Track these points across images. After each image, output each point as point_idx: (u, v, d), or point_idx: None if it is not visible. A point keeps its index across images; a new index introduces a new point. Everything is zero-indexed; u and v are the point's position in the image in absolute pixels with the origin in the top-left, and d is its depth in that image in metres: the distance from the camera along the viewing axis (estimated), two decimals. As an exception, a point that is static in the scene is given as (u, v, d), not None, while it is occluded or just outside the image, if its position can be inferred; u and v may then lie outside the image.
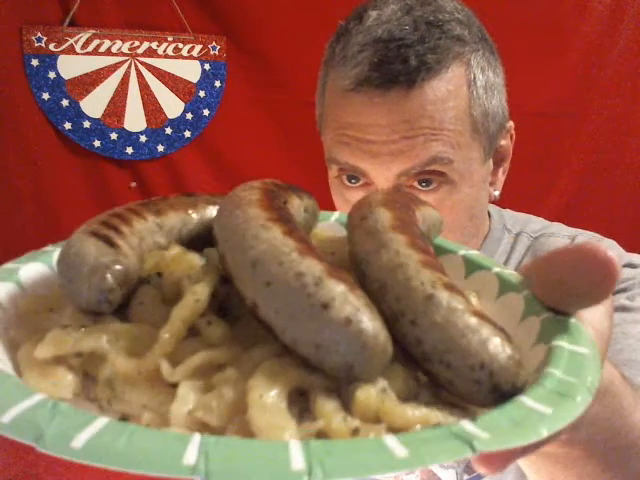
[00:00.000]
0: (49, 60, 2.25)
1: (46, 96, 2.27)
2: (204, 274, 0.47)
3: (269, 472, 0.32)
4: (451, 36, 1.05)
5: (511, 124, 1.21)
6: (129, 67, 2.38)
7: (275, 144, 2.63)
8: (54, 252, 0.55)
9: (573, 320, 0.49)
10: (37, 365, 0.43)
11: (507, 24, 2.30)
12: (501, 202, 1.28)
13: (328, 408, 0.40)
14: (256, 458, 0.33)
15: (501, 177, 1.23)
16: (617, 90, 2.77)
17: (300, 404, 0.42)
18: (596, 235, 1.25)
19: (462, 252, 0.63)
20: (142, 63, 2.39)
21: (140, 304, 0.48)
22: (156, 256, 0.50)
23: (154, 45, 2.39)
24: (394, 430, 0.39)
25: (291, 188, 0.57)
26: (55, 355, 0.43)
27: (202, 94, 2.50)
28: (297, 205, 0.56)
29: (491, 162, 1.17)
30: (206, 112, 2.53)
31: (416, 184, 1.06)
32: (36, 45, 2.22)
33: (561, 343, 0.46)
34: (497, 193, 1.22)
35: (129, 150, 2.44)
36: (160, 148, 2.49)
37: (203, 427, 0.40)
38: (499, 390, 0.42)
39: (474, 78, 1.06)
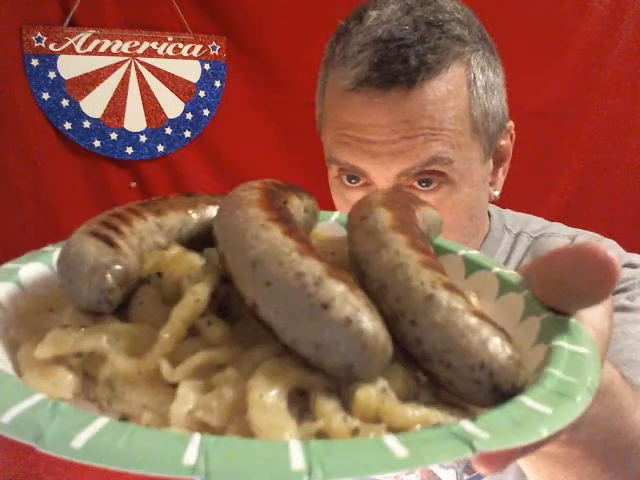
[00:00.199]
0: (49, 60, 2.25)
1: (46, 96, 2.27)
2: (204, 274, 0.47)
3: (269, 472, 0.32)
4: (451, 36, 1.04)
5: (511, 124, 1.21)
6: (129, 67, 2.38)
7: (275, 144, 2.62)
8: (54, 252, 0.55)
9: (573, 320, 0.49)
10: (37, 365, 0.43)
11: (507, 24, 2.30)
12: (501, 202, 1.28)
13: (328, 408, 0.40)
14: (256, 458, 0.33)
15: (501, 177, 1.23)
16: (617, 90, 2.76)
17: (300, 404, 0.42)
18: (596, 235, 1.25)
19: (462, 252, 0.63)
20: (142, 63, 2.39)
21: (140, 304, 0.48)
22: (156, 256, 0.50)
23: (154, 45, 2.38)
24: (394, 430, 0.39)
25: (291, 188, 0.57)
26: (55, 355, 0.43)
27: (202, 94, 2.50)
28: (297, 205, 0.56)
29: (491, 162, 1.17)
30: (206, 112, 2.53)
31: (416, 184, 1.06)
32: (36, 45, 2.21)
33: (561, 343, 0.46)
34: (497, 193, 1.22)
35: (129, 150, 2.44)
36: (160, 148, 2.48)
37: (203, 427, 0.40)
38: (499, 390, 0.42)
39: (474, 78, 1.06)
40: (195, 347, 0.44)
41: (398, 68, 1.01)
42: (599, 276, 0.47)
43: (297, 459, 0.33)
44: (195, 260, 0.50)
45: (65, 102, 2.30)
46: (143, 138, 2.45)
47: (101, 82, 2.34)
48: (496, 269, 0.59)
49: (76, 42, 2.25)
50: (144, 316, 0.48)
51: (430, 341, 0.43)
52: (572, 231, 1.26)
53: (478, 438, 0.36)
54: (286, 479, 0.32)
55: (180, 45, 2.42)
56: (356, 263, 0.51)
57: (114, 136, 2.40)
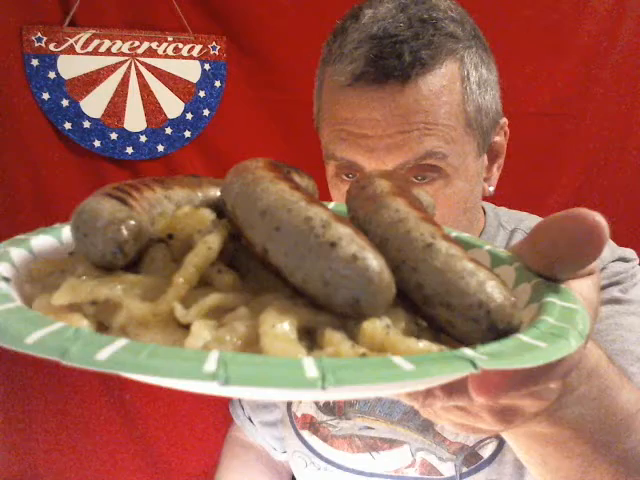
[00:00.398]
0: (49, 60, 2.26)
1: (46, 96, 2.28)
2: (214, 227, 0.50)
3: (285, 378, 0.35)
4: (444, 33, 1.06)
5: (505, 121, 1.22)
6: (129, 67, 2.38)
7: (275, 144, 2.63)
8: (62, 227, 0.59)
9: (563, 285, 0.52)
10: (53, 312, 0.45)
11: (507, 24, 2.31)
12: (502, 202, 1.28)
13: (337, 338, 0.42)
14: (273, 367, 0.36)
15: (495, 173, 1.24)
16: (617, 90, 2.76)
17: (308, 342, 0.44)
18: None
19: (454, 234, 0.66)
20: (142, 63, 2.39)
21: (152, 261, 0.51)
22: (167, 217, 0.53)
23: (154, 45, 2.39)
24: None
25: (292, 167, 0.61)
26: (71, 302, 0.45)
27: (202, 94, 2.51)
28: (299, 180, 0.60)
29: (485, 158, 1.18)
30: (206, 112, 2.53)
31: (411, 178, 1.07)
32: (36, 45, 2.22)
33: (553, 299, 0.49)
34: (492, 189, 1.24)
35: (129, 150, 2.44)
36: (160, 148, 2.49)
37: None
38: (496, 328, 0.45)
39: (467, 74, 1.07)
40: (207, 294, 0.46)
41: (393, 63, 1.03)
42: (587, 238, 0.49)
43: (311, 369, 0.35)
44: (206, 214, 0.52)
45: (65, 102, 2.31)
46: (143, 138, 2.45)
47: (101, 82, 2.35)
48: (487, 247, 0.62)
49: (76, 42, 2.26)
50: (156, 272, 0.50)
51: (431, 285, 0.47)
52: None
53: (480, 359, 0.38)
54: (301, 384, 0.34)
55: (180, 45, 2.43)
56: (357, 225, 0.53)
57: (114, 136, 2.40)
